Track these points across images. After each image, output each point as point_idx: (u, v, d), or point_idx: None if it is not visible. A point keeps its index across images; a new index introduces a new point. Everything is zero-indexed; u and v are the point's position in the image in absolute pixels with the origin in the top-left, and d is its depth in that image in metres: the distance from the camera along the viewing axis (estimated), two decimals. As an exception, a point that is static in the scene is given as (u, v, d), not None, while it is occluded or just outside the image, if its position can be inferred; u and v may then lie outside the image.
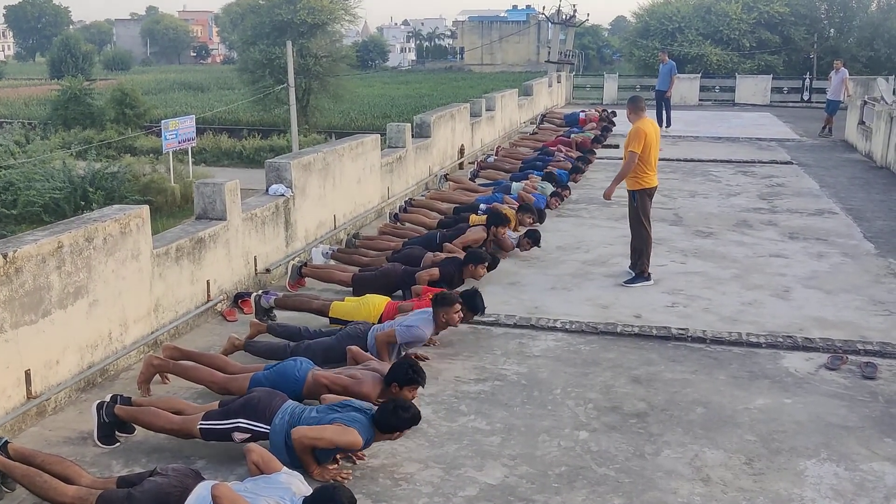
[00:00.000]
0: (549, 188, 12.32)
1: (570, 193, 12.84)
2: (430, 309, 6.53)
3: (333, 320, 7.10)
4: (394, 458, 5.05)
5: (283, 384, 5.46)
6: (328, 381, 5.47)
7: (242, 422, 4.93)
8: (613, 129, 19.95)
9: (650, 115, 9.15)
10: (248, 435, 4.89)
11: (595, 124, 20.34)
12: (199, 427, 4.97)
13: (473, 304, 6.78)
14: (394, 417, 4.83)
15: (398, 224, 10.60)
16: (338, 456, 4.97)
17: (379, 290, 7.62)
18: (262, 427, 4.92)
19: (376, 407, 4.95)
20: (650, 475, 4.90)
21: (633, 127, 8.55)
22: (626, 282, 8.62)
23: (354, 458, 4.99)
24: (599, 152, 17.20)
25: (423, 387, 5.45)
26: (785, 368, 6.48)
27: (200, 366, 5.87)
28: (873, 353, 6.73)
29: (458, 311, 6.50)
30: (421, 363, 6.39)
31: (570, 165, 14.33)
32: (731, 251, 9.88)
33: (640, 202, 8.64)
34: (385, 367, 5.60)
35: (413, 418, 4.89)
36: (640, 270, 8.69)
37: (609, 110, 22.92)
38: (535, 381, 6.20)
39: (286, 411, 4.97)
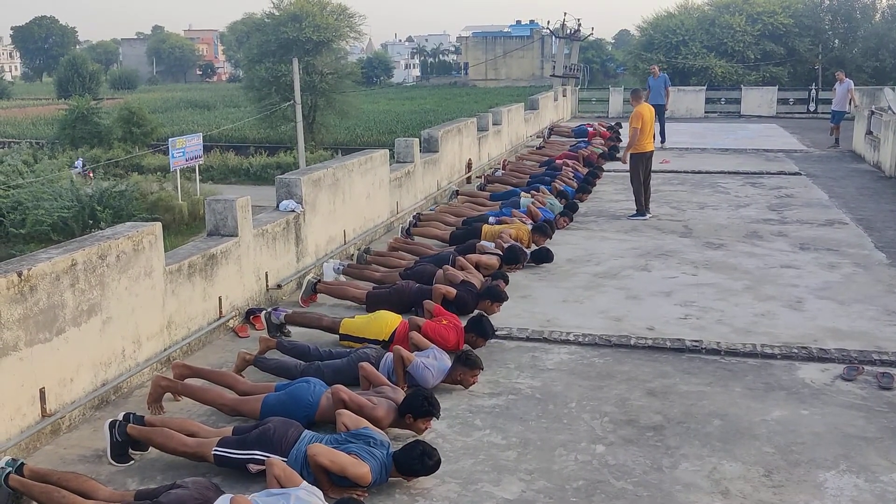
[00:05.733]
0: (558, 205, 12.19)
1: (572, 217, 12.31)
2: (449, 362, 6.32)
3: (344, 337, 7.05)
4: (410, 473, 5.01)
5: (295, 408, 5.43)
6: (347, 396, 5.44)
7: (258, 453, 4.89)
8: (620, 144, 19.90)
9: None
10: (263, 467, 4.78)
11: (603, 140, 20.31)
12: (213, 453, 4.94)
13: (483, 329, 6.84)
14: (419, 463, 4.77)
15: (409, 239, 10.58)
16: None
17: (392, 307, 7.54)
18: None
19: (396, 444, 4.88)
20: (668, 488, 4.86)
21: (634, 111, 12.46)
22: (629, 216, 12.34)
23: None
24: (608, 165, 17.21)
25: (437, 419, 5.41)
26: (801, 380, 6.43)
27: (209, 387, 5.84)
28: (889, 364, 6.68)
29: (475, 377, 6.27)
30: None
31: (577, 184, 14.15)
32: (742, 262, 9.85)
33: (633, 163, 12.46)
34: (399, 395, 5.57)
35: (435, 466, 4.82)
36: (638, 209, 12.41)
37: (617, 123, 22.95)
38: (549, 394, 6.17)
39: (304, 442, 4.92)
